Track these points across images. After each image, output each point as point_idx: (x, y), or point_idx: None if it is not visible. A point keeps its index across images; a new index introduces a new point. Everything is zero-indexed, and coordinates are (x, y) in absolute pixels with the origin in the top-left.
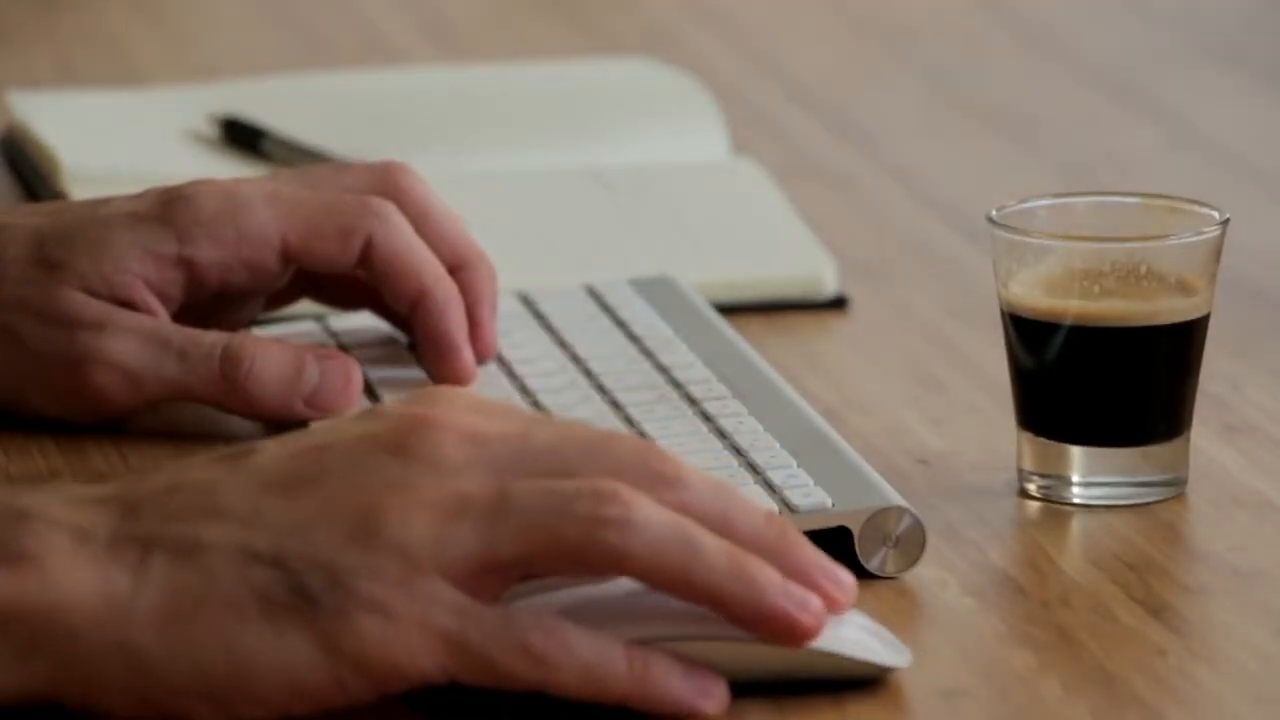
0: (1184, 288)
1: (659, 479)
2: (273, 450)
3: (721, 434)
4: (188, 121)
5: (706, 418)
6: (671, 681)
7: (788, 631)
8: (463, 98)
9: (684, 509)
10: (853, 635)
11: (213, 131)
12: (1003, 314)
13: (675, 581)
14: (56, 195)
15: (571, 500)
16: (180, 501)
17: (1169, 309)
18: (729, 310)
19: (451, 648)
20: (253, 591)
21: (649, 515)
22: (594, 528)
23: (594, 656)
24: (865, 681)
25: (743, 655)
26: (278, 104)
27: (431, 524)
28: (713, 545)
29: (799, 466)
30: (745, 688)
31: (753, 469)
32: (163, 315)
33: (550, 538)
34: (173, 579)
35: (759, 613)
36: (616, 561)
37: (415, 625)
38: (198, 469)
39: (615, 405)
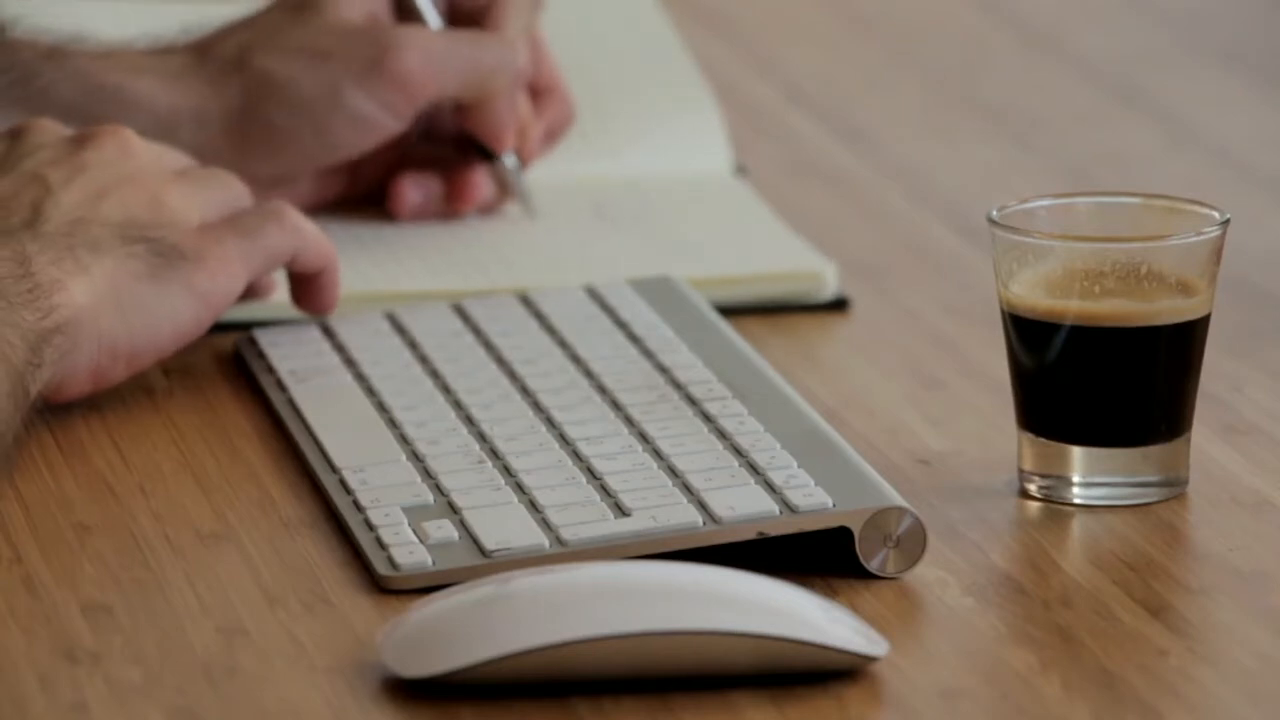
0: (1184, 288)
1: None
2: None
3: (722, 434)
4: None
5: (707, 418)
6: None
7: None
8: None
9: None
10: (834, 628)
11: None
12: (1003, 314)
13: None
14: None
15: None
16: (52, 225)
17: (1169, 309)
18: (729, 310)
19: (246, 263)
20: (141, 261)
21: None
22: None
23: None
24: (861, 679)
25: (733, 648)
26: None
27: (185, 194)
28: None
29: (800, 467)
30: (746, 685)
31: (753, 469)
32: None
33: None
34: (102, 266)
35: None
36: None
37: (225, 260)
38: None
39: (615, 405)
